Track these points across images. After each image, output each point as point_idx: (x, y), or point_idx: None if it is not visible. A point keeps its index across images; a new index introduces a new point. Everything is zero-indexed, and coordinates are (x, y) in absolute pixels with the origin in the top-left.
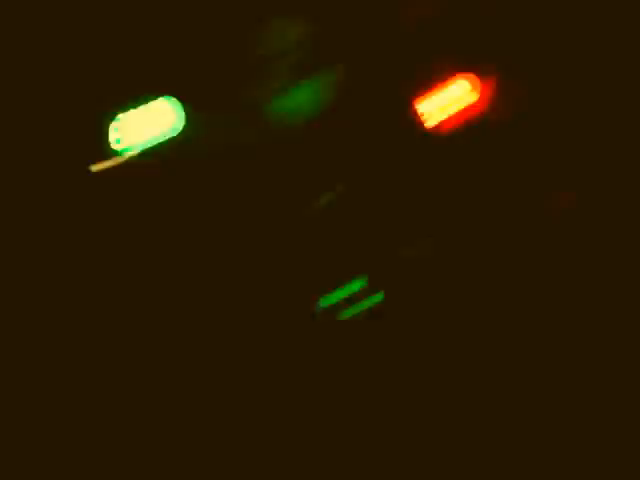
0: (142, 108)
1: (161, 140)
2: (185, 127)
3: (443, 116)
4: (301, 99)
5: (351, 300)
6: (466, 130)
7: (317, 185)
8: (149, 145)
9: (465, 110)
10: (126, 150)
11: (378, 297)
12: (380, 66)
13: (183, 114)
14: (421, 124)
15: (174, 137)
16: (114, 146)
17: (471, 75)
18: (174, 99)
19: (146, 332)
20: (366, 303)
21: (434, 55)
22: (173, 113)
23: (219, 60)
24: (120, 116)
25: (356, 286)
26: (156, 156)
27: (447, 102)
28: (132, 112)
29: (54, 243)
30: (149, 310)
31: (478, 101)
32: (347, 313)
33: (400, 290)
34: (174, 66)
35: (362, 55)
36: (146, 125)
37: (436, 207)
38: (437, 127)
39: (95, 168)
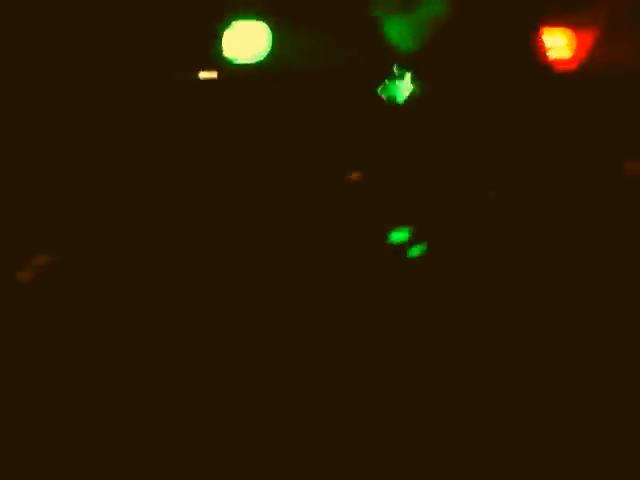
0: (240, 25)
1: (254, 60)
2: (276, 49)
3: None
4: (403, 29)
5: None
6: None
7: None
8: (243, 62)
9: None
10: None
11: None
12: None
13: (275, 35)
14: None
15: (265, 58)
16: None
17: (569, 29)
18: (266, 20)
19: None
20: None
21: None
22: (266, 34)
23: None
24: (226, 29)
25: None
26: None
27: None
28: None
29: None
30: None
31: (572, 57)
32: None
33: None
34: None
35: None
36: (242, 43)
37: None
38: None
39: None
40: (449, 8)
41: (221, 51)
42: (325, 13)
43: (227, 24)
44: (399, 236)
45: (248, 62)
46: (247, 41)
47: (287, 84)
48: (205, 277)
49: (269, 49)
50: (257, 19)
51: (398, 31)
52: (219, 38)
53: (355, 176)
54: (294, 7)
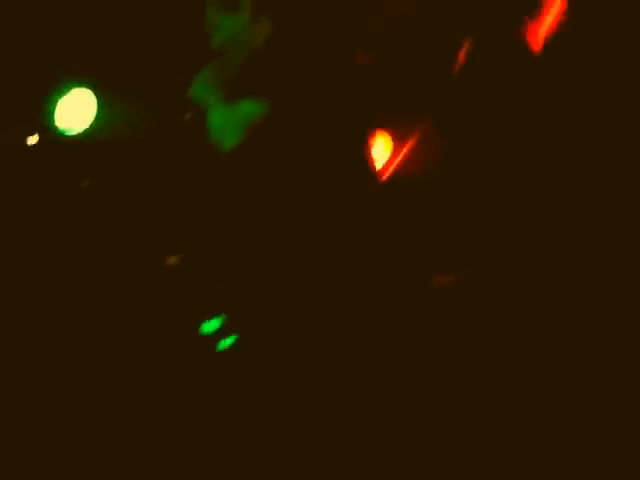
0: (68, 95)
1: (77, 130)
2: (101, 120)
3: None
4: (223, 121)
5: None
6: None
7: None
8: (68, 132)
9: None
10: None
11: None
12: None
13: (101, 106)
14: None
15: (90, 128)
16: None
17: (387, 133)
18: (92, 89)
19: None
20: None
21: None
22: (92, 104)
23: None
24: (53, 100)
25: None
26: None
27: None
28: (62, 98)
29: None
30: None
31: (391, 159)
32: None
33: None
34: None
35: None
36: (69, 112)
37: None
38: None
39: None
40: (270, 107)
41: (53, 121)
42: (150, 86)
43: (59, 94)
44: (211, 325)
45: (77, 131)
46: (77, 110)
47: (110, 153)
48: None
49: (94, 117)
50: (83, 87)
51: (219, 123)
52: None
53: (173, 259)
54: (120, 77)
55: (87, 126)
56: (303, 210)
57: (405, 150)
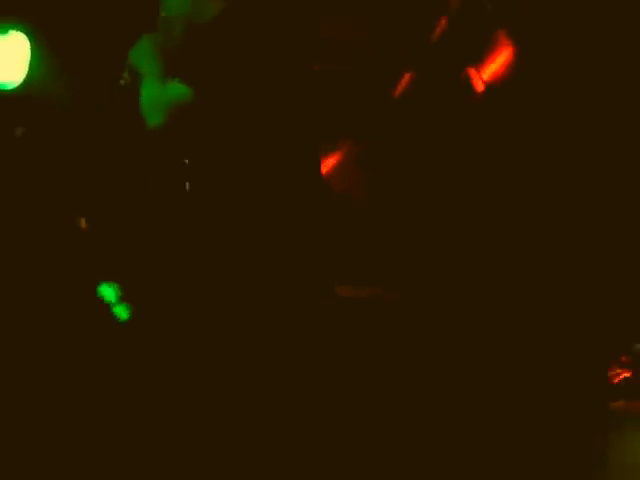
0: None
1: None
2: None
3: None
4: (154, 96)
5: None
6: None
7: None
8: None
9: None
10: None
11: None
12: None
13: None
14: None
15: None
16: None
17: None
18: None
19: None
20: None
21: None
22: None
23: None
24: None
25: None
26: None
27: None
28: None
29: None
30: None
31: None
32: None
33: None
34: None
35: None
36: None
37: None
38: None
39: None
40: (198, 93)
41: None
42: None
43: None
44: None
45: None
46: (11, 62)
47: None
48: None
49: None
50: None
51: (147, 98)
52: None
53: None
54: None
55: (20, 80)
56: (211, 201)
57: (327, 167)
